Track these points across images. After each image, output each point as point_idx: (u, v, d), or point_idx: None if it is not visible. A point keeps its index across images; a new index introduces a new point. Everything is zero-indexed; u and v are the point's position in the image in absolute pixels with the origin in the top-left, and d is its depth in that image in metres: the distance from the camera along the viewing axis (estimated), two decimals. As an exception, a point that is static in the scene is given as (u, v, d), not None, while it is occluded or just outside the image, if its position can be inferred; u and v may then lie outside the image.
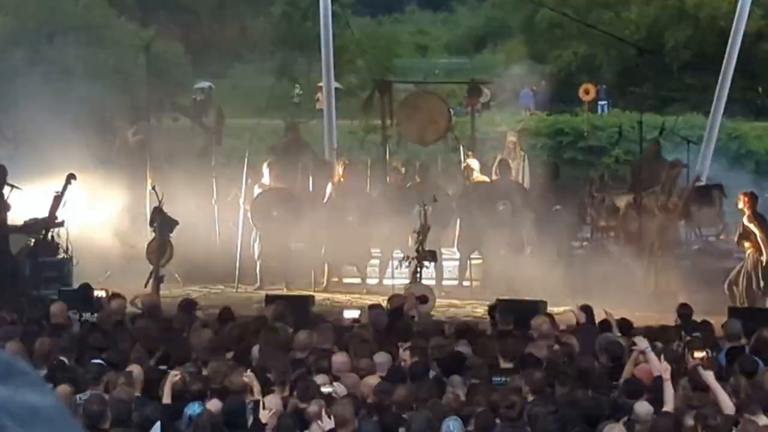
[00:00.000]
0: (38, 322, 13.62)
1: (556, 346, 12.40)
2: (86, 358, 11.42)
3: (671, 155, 21.65)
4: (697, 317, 14.10)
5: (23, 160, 20.26)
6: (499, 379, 11.23)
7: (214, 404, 10.10)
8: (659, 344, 12.27)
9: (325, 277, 19.60)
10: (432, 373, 11.46)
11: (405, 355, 11.94)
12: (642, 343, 11.09)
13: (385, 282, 19.35)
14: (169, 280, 18.77)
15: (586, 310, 13.87)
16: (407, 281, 18.20)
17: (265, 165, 20.65)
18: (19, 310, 14.43)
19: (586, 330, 13.05)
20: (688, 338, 12.67)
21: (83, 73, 32.61)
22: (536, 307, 15.06)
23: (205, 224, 21.75)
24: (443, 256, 19.57)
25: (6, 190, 18.25)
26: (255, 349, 11.96)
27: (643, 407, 9.86)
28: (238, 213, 20.46)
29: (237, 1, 49.92)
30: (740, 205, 17.92)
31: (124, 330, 13.06)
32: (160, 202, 18.76)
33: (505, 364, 11.64)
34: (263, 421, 9.84)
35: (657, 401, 10.30)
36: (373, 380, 10.76)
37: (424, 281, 18.04)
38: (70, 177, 18.46)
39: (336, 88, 26.23)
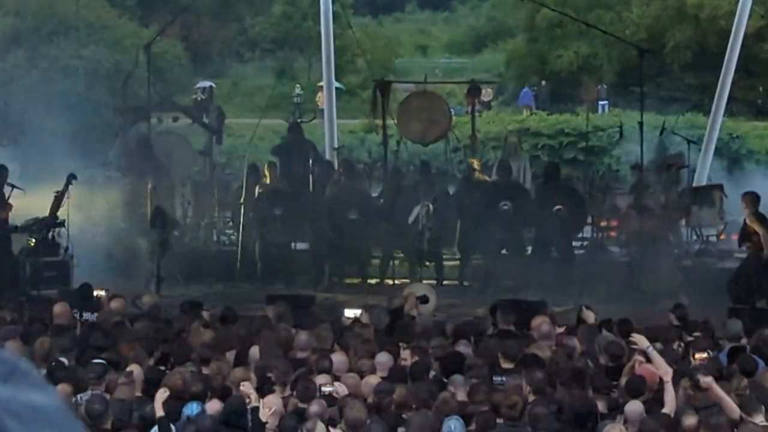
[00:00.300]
0: (39, 322, 13.62)
1: (557, 347, 12.39)
2: (86, 358, 11.42)
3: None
4: (697, 317, 14.10)
5: (23, 159, 20.28)
6: (499, 379, 11.23)
7: (214, 404, 10.10)
8: (658, 345, 12.27)
9: (330, 275, 19.59)
10: (432, 373, 11.46)
11: (405, 355, 11.94)
12: (642, 342, 11.08)
13: (386, 282, 19.36)
14: (169, 281, 18.77)
15: (586, 310, 13.87)
16: (408, 281, 18.20)
17: (266, 165, 20.66)
18: (19, 310, 14.42)
19: (586, 330, 13.04)
20: (689, 338, 12.66)
21: (83, 73, 32.65)
22: (536, 307, 15.06)
23: (206, 224, 21.79)
24: (443, 256, 19.58)
25: (6, 190, 18.26)
26: (255, 349, 11.95)
27: (633, 407, 9.85)
28: (238, 213, 20.46)
29: (237, 1, 49.93)
30: (742, 207, 17.93)
31: (125, 330, 13.05)
32: (159, 201, 18.78)
33: (505, 364, 11.63)
34: (263, 419, 9.84)
35: (657, 401, 10.30)
36: (373, 380, 10.76)
37: (424, 281, 18.03)
38: (71, 177, 18.45)
39: (336, 88, 26.25)
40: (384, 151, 21.21)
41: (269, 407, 9.93)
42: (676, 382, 10.57)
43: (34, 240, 18.57)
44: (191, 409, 9.91)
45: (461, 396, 10.53)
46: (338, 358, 11.63)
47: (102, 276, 18.10)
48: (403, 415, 10.06)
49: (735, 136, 34.50)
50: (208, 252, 21.22)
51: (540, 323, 13.02)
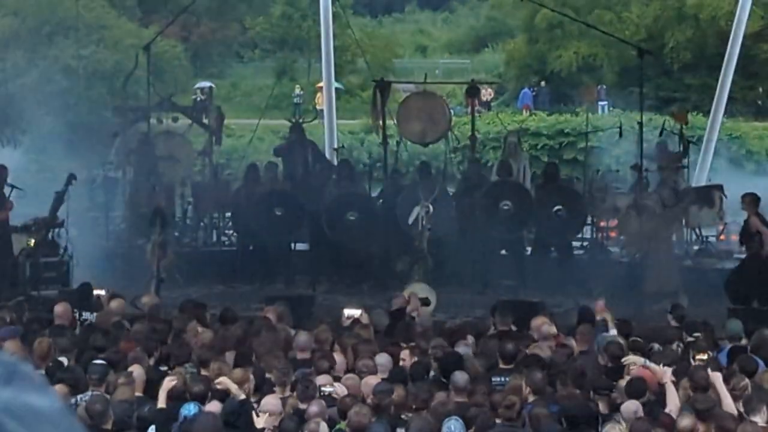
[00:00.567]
0: (38, 322, 13.62)
1: (556, 347, 12.39)
2: (86, 358, 11.42)
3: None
4: (697, 318, 14.10)
5: (24, 159, 20.29)
6: (499, 379, 11.23)
7: (214, 405, 10.10)
8: (657, 345, 12.28)
9: (329, 275, 19.59)
10: (432, 374, 11.46)
11: (405, 355, 11.94)
12: (637, 361, 11.11)
13: (386, 282, 19.34)
14: (169, 280, 18.77)
15: (585, 310, 13.88)
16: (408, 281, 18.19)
17: (268, 166, 20.66)
18: (19, 310, 14.42)
19: (585, 330, 13.05)
20: (689, 339, 12.66)
21: (83, 73, 32.67)
22: (536, 308, 15.07)
23: (206, 224, 21.80)
24: (443, 256, 19.56)
25: (6, 190, 18.26)
26: (255, 350, 11.94)
27: (629, 407, 9.86)
28: (238, 213, 20.46)
29: (237, 2, 49.95)
30: (743, 207, 17.93)
31: (124, 330, 13.05)
32: (160, 201, 18.77)
33: (504, 365, 11.64)
34: (259, 426, 9.83)
35: (658, 403, 10.31)
36: (373, 381, 10.76)
37: (424, 282, 18.02)
38: (71, 177, 18.45)
39: (336, 88, 26.26)
40: (384, 152, 21.21)
41: (266, 410, 9.92)
42: (676, 383, 10.57)
43: (34, 240, 18.57)
44: (188, 409, 9.91)
45: (461, 396, 10.53)
46: (338, 358, 11.64)
47: (101, 276, 18.10)
48: (403, 416, 10.06)
49: (735, 136, 34.52)
50: (208, 252, 21.22)
51: (540, 324, 13.02)
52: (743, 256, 18.03)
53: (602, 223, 20.87)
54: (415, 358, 11.80)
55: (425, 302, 15.26)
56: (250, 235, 20.02)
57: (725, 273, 18.05)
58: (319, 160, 21.28)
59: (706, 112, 27.91)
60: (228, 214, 21.64)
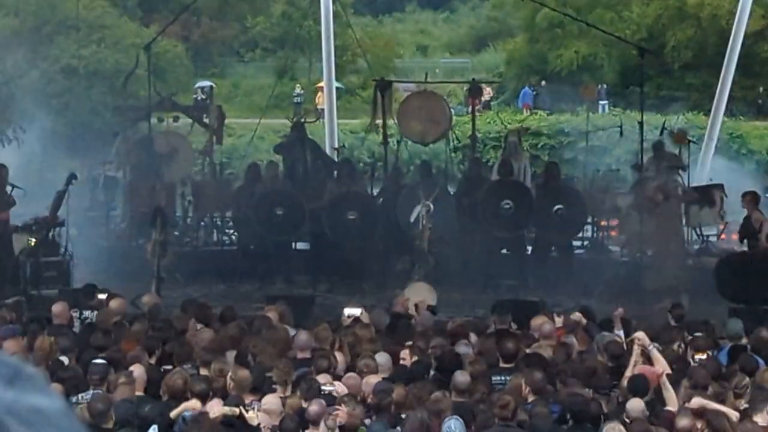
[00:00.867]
0: (39, 322, 13.63)
1: (557, 346, 12.40)
2: (86, 358, 11.42)
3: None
4: (697, 317, 14.11)
5: (24, 159, 20.29)
6: (499, 378, 11.24)
7: (214, 405, 10.10)
8: (657, 345, 12.28)
9: (330, 275, 19.58)
10: (432, 373, 11.47)
11: (405, 355, 11.95)
12: (645, 340, 11.10)
13: (386, 282, 19.35)
14: (169, 280, 18.77)
15: (586, 309, 13.88)
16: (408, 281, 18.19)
17: (269, 165, 20.67)
18: (19, 310, 14.42)
19: (585, 329, 13.06)
20: (690, 338, 12.67)
21: (83, 73, 32.67)
22: (536, 307, 15.08)
23: (206, 224, 21.80)
24: (443, 256, 19.57)
25: (7, 189, 18.27)
26: (255, 349, 11.95)
27: (634, 405, 9.87)
28: (238, 212, 20.46)
29: (237, 1, 49.95)
30: (743, 205, 17.95)
31: (124, 330, 13.06)
32: (160, 201, 18.78)
33: (504, 364, 11.65)
34: (265, 423, 9.85)
35: (659, 401, 10.32)
36: (373, 380, 10.77)
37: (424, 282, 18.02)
38: (71, 177, 18.46)
39: (337, 88, 26.27)
40: (384, 151, 21.22)
41: (267, 409, 9.93)
42: (676, 382, 10.59)
43: (34, 240, 18.58)
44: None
45: (461, 396, 10.54)
46: (338, 357, 11.64)
47: (102, 276, 18.11)
48: (403, 415, 10.07)
49: (735, 136, 34.51)
50: (209, 251, 21.23)
51: (540, 323, 13.03)
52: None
53: (603, 223, 20.87)
54: (415, 358, 11.81)
55: (433, 311, 15.21)
56: (251, 234, 20.02)
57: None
58: (320, 157, 21.28)
59: (706, 112, 27.92)
60: (228, 214, 21.65)
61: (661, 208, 18.63)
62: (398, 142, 21.63)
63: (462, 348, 12.18)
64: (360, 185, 20.61)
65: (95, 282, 15.78)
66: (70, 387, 10.38)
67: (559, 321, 13.55)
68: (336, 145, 23.86)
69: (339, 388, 10.63)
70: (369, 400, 10.41)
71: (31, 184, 18.65)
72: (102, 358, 11.20)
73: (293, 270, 19.84)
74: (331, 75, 24.68)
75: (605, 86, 42.94)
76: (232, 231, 21.52)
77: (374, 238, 19.53)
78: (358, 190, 20.15)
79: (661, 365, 10.70)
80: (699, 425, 9.54)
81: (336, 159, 22.24)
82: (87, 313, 14.19)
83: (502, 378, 11.18)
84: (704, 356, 11.62)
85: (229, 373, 10.57)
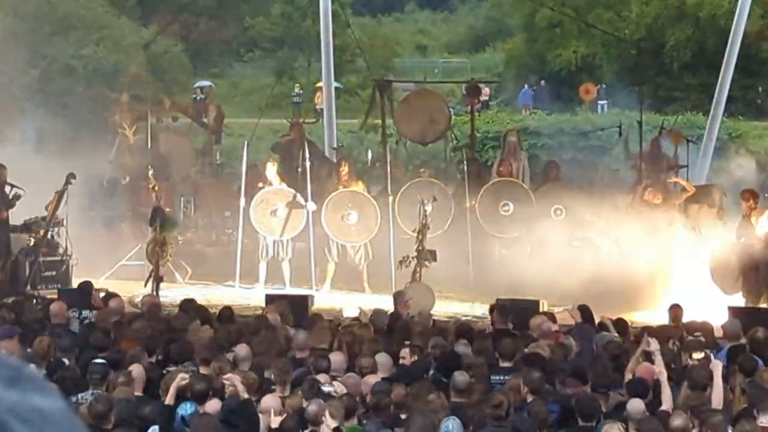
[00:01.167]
0: (38, 322, 13.63)
1: (555, 346, 12.40)
2: (86, 358, 11.43)
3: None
4: (697, 317, 14.12)
5: (23, 158, 20.28)
6: (498, 378, 11.25)
7: (214, 404, 10.11)
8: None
9: (330, 276, 19.57)
10: (431, 373, 11.47)
11: (405, 354, 11.96)
12: (654, 344, 11.10)
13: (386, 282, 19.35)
14: (169, 280, 18.77)
15: (584, 309, 13.89)
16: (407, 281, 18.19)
17: (269, 164, 20.65)
18: (18, 310, 14.42)
19: (584, 329, 13.07)
20: (689, 338, 12.68)
21: (83, 73, 32.66)
22: (535, 307, 15.09)
23: (206, 224, 21.81)
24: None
25: (6, 189, 18.27)
26: (255, 349, 11.95)
27: (634, 405, 9.87)
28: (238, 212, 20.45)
29: (237, 1, 49.94)
30: (742, 204, 17.96)
31: (124, 329, 13.06)
32: (159, 201, 18.78)
33: (504, 364, 11.66)
34: (268, 424, 9.85)
35: (658, 401, 10.32)
36: (372, 380, 10.78)
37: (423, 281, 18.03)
38: (70, 176, 18.46)
39: (336, 88, 26.27)
40: (384, 151, 21.21)
41: (266, 409, 9.94)
42: (673, 382, 10.60)
43: (33, 240, 18.58)
44: (185, 409, 9.93)
45: (461, 396, 10.54)
46: (337, 357, 11.65)
47: (101, 275, 18.13)
48: (402, 415, 10.07)
49: (735, 136, 34.50)
50: (208, 252, 21.23)
51: (539, 322, 13.04)
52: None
53: (603, 223, 20.83)
54: (415, 358, 11.82)
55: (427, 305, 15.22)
56: (250, 234, 20.01)
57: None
58: (318, 158, 21.27)
59: (705, 112, 27.91)
60: (227, 213, 21.64)
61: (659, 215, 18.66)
62: (397, 141, 21.63)
63: (461, 348, 12.19)
64: (358, 185, 20.60)
65: (95, 282, 15.79)
66: (70, 387, 10.37)
67: (559, 318, 13.58)
68: (335, 145, 23.86)
69: (338, 387, 10.64)
70: (368, 400, 10.42)
71: (30, 184, 18.64)
72: (102, 357, 11.20)
73: (293, 270, 19.82)
74: (330, 75, 24.68)
75: (604, 86, 42.93)
76: (231, 230, 21.52)
77: (374, 238, 19.53)
78: (357, 190, 20.14)
79: (660, 366, 10.70)
80: (697, 428, 9.56)
81: (335, 159, 22.23)
82: (86, 312, 14.20)
83: (502, 378, 11.18)
84: (700, 355, 11.64)
85: (233, 374, 10.56)
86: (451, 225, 19.59)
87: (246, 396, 10.05)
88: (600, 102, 42.48)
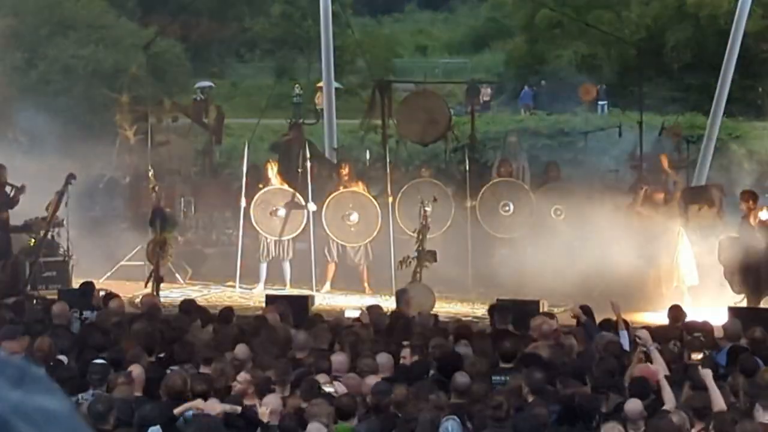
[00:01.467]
0: (38, 322, 13.64)
1: (556, 346, 12.41)
2: (86, 358, 11.43)
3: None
4: (697, 317, 14.13)
5: (23, 159, 20.30)
6: (499, 378, 11.25)
7: (213, 404, 10.10)
8: (656, 344, 12.29)
9: (330, 276, 19.56)
10: (432, 373, 11.48)
11: (405, 354, 11.96)
12: (647, 339, 11.11)
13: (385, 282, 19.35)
14: (169, 280, 18.78)
15: (585, 309, 13.89)
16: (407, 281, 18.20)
17: (269, 165, 20.66)
18: (19, 310, 14.43)
19: (585, 329, 13.07)
20: (689, 338, 12.68)
21: (83, 73, 32.65)
22: (535, 307, 15.09)
23: (206, 224, 21.80)
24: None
25: (6, 189, 18.27)
26: (255, 349, 11.96)
27: (632, 406, 9.88)
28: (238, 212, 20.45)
29: (237, 1, 49.92)
30: (742, 205, 17.97)
31: (124, 330, 13.07)
32: (159, 201, 18.79)
33: (504, 364, 11.66)
34: (263, 419, 9.86)
35: (660, 401, 10.33)
36: (373, 380, 10.78)
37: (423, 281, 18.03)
38: (70, 177, 18.47)
39: (336, 88, 26.26)
40: (384, 151, 21.20)
41: (267, 407, 9.94)
42: (673, 382, 10.60)
43: (34, 240, 18.59)
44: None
45: (461, 397, 10.54)
46: (338, 358, 11.65)
47: (101, 276, 18.13)
48: (402, 415, 10.07)
49: (735, 136, 34.48)
50: (208, 252, 21.23)
51: (540, 323, 13.04)
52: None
53: (602, 223, 20.83)
54: (416, 358, 11.82)
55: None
56: (250, 234, 20.01)
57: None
58: (318, 158, 21.26)
59: (705, 112, 27.90)
60: (227, 214, 21.64)
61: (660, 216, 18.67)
62: (397, 142, 21.62)
63: (462, 348, 12.19)
64: (358, 185, 20.60)
65: (95, 282, 15.79)
66: (70, 387, 10.37)
67: (560, 318, 13.58)
68: (335, 145, 23.86)
69: (338, 388, 10.65)
70: (368, 400, 10.42)
71: (30, 185, 18.64)
72: (102, 358, 11.21)
73: (292, 270, 19.83)
74: (330, 75, 24.67)
75: (604, 86, 42.93)
76: (231, 230, 21.52)
77: (373, 239, 19.53)
78: (357, 190, 20.15)
79: (660, 366, 10.71)
80: (697, 427, 9.56)
81: (335, 159, 22.23)
82: (86, 313, 14.20)
83: (502, 378, 11.18)
84: (700, 356, 11.64)
85: (241, 374, 10.56)
86: (451, 225, 19.59)
87: (267, 420, 10.01)
88: (600, 102, 42.47)
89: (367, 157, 23.02)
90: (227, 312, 14.13)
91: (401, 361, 11.79)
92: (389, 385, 10.49)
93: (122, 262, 19.61)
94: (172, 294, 18.06)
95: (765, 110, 39.72)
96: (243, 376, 10.39)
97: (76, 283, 16.99)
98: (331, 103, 24.66)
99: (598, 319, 13.64)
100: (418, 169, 21.54)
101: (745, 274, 17.10)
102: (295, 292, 18.63)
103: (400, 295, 15.22)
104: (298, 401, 10.20)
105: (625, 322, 13.36)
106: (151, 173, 18.86)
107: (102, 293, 15.17)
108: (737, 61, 23.87)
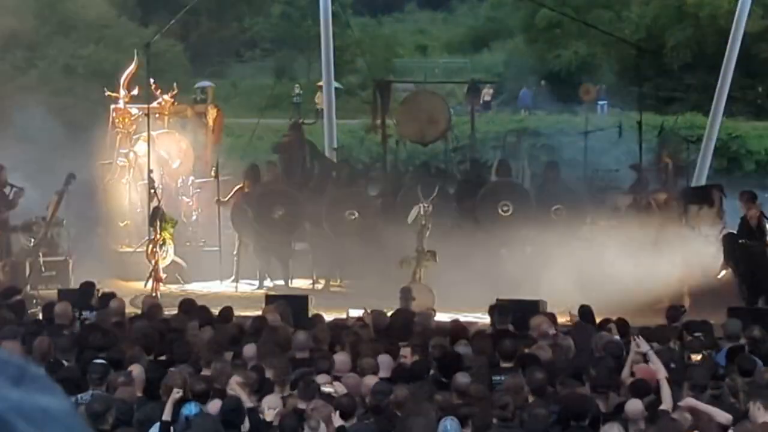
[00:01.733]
0: (38, 322, 13.63)
1: (555, 346, 12.41)
2: (86, 358, 11.43)
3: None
4: (696, 317, 14.13)
5: (23, 159, 20.29)
6: (499, 378, 11.24)
7: (214, 405, 10.11)
8: (656, 345, 12.29)
9: (327, 277, 19.58)
10: (432, 373, 11.48)
11: (405, 353, 11.96)
12: (643, 345, 11.12)
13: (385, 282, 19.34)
14: (168, 280, 18.78)
15: (585, 309, 13.89)
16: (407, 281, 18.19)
17: (267, 164, 20.68)
18: (19, 310, 14.43)
19: (584, 330, 13.07)
20: (689, 338, 12.68)
21: (83, 73, 32.67)
22: (535, 307, 15.07)
23: (206, 223, 21.79)
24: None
25: (6, 189, 18.28)
26: (254, 349, 11.95)
27: (632, 406, 9.88)
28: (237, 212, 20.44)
29: (236, 1, 49.93)
30: (741, 205, 17.97)
31: (124, 330, 13.07)
32: (159, 201, 18.79)
33: (504, 364, 11.66)
34: (268, 419, 9.87)
35: (659, 402, 10.33)
36: (372, 380, 10.78)
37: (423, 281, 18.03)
38: (70, 176, 18.47)
39: (336, 88, 26.26)
40: (383, 151, 21.21)
41: (269, 407, 9.95)
42: (673, 382, 10.60)
43: (34, 239, 18.58)
44: (189, 409, 9.92)
45: (461, 397, 10.54)
46: (339, 358, 11.65)
47: (101, 275, 18.11)
48: (401, 415, 10.07)
49: (735, 136, 34.53)
50: (208, 251, 21.22)
51: (539, 323, 13.04)
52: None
53: (602, 223, 20.84)
54: (416, 358, 11.82)
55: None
56: (251, 234, 20.02)
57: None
58: (318, 158, 21.27)
59: (705, 112, 27.91)
60: (228, 214, 21.64)
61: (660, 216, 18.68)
62: (397, 142, 21.63)
63: (462, 348, 12.19)
64: (359, 185, 20.61)
65: (95, 282, 15.78)
66: (70, 387, 10.37)
67: (559, 319, 13.57)
68: (335, 146, 23.86)
69: (338, 388, 10.64)
70: (367, 401, 10.42)
71: (29, 184, 18.64)
72: (102, 358, 11.20)
73: (293, 270, 19.83)
74: (330, 75, 24.67)
75: (604, 86, 42.95)
76: (231, 230, 21.52)
77: (373, 238, 19.53)
78: (357, 190, 20.16)
79: (659, 368, 10.70)
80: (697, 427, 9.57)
81: (335, 159, 22.24)
82: (86, 313, 14.20)
83: (502, 378, 11.18)
84: (699, 356, 11.64)
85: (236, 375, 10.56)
86: (451, 225, 19.58)
87: (250, 405, 10.01)
88: (600, 102, 42.49)
89: (368, 157, 23.04)
90: (227, 312, 14.13)
91: (401, 361, 11.79)
92: (389, 385, 10.49)
93: (122, 262, 19.61)
94: (172, 294, 18.05)
95: (765, 110, 39.74)
96: (235, 378, 10.38)
97: (75, 283, 16.98)
98: (330, 103, 24.66)
99: (598, 319, 13.65)
100: (418, 169, 21.54)
101: (744, 275, 17.11)
102: (295, 292, 18.63)
103: (404, 294, 15.22)
104: (297, 401, 10.20)
105: (626, 323, 13.37)
106: (151, 173, 18.85)
107: (101, 293, 15.16)
108: (737, 61, 23.88)
